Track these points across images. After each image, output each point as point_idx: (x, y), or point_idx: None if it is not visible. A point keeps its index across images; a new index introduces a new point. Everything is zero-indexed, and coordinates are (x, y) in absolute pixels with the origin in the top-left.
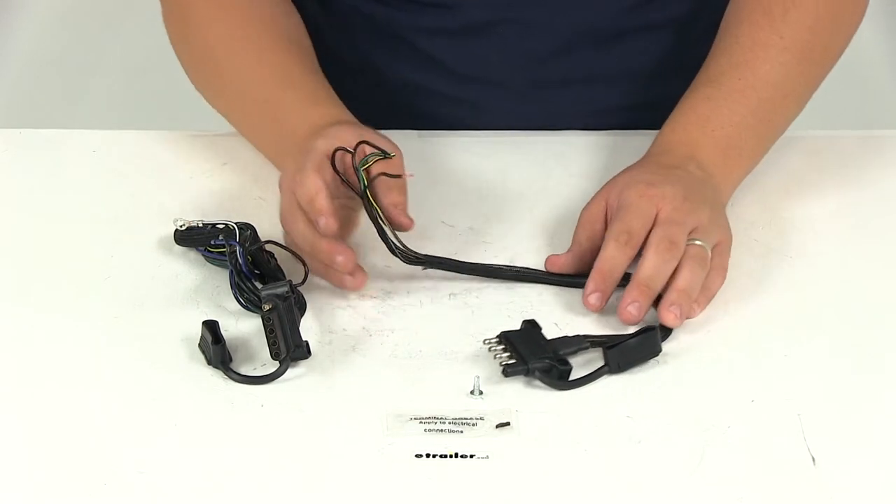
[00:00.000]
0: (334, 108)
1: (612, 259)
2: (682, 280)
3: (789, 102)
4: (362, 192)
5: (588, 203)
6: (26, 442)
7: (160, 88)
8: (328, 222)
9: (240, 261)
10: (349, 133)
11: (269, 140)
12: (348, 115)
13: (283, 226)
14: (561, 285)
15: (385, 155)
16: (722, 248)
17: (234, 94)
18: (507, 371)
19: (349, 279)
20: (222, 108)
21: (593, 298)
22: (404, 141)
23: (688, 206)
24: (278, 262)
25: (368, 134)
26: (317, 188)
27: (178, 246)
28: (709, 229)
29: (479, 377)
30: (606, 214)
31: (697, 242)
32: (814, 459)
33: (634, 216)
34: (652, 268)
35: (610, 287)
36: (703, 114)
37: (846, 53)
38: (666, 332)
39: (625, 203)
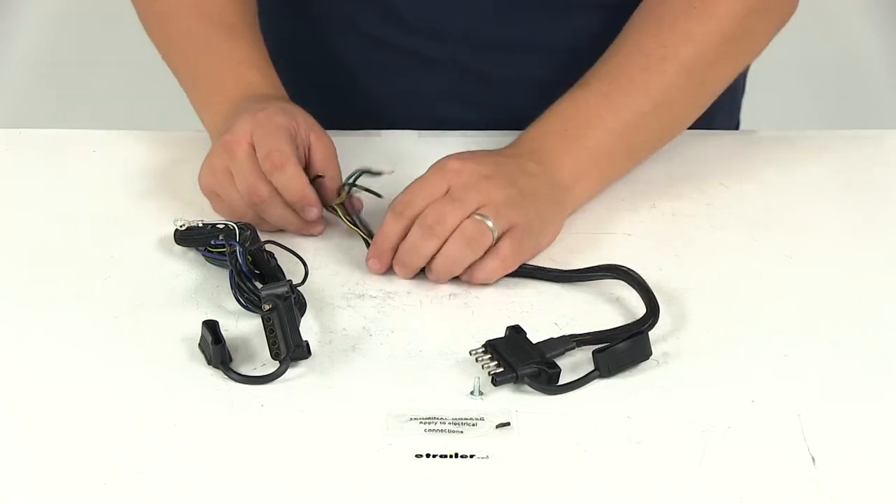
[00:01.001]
0: (271, 74)
1: (387, 230)
2: (438, 257)
3: (664, 112)
4: (354, 222)
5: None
6: (26, 442)
7: (160, 88)
8: (317, 211)
9: (240, 261)
10: (300, 114)
11: (198, 87)
12: (279, 88)
13: (220, 183)
14: (553, 280)
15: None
16: (514, 234)
17: (172, 25)
18: (496, 380)
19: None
20: (157, 38)
21: (372, 263)
22: (404, 141)
23: (483, 184)
24: (278, 262)
25: (301, 118)
26: (303, 182)
27: (178, 246)
28: (501, 210)
29: (479, 378)
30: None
31: (478, 218)
32: (814, 459)
33: (420, 189)
34: (407, 244)
35: (386, 255)
36: (568, 115)
37: (845, 52)
38: (648, 328)
39: (422, 175)
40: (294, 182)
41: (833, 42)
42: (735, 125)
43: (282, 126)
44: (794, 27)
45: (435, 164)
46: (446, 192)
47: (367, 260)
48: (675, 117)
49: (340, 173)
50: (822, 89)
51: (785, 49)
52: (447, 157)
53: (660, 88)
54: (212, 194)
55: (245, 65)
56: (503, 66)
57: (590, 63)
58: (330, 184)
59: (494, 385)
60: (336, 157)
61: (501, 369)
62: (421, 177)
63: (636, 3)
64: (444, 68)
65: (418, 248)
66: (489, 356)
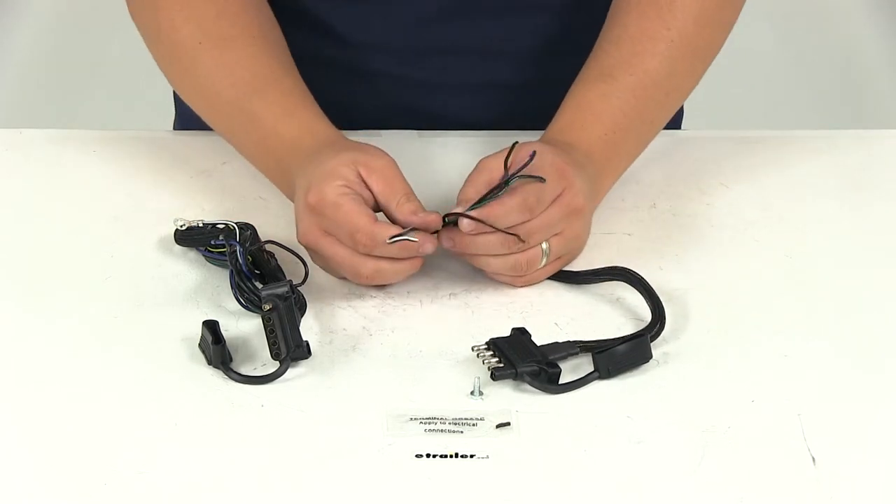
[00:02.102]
0: (307, 117)
1: (509, 212)
2: (480, 259)
3: (672, 100)
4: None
5: (494, 154)
6: (26, 442)
7: (160, 88)
8: (431, 245)
9: (240, 261)
10: (341, 166)
11: (247, 151)
12: (322, 124)
13: (338, 272)
14: (561, 281)
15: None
16: (554, 264)
17: (206, 98)
18: (495, 375)
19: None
20: (197, 109)
21: (468, 224)
22: (404, 141)
23: (574, 218)
24: (278, 262)
25: (356, 154)
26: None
27: (178, 246)
28: (562, 246)
29: (479, 377)
30: (510, 168)
31: (542, 248)
32: (814, 459)
33: (548, 187)
34: (485, 243)
35: (487, 229)
36: (599, 112)
37: (845, 52)
38: (654, 336)
39: (542, 167)
40: (395, 245)
41: (833, 42)
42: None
43: (339, 204)
44: (794, 27)
45: (547, 155)
46: (557, 197)
47: (463, 221)
48: (679, 100)
49: (407, 185)
50: (822, 89)
51: (785, 49)
52: (556, 156)
53: (671, 77)
54: (341, 276)
55: (279, 119)
56: (443, 73)
57: (537, 65)
58: (410, 205)
59: (493, 380)
60: (394, 176)
61: (502, 365)
62: (543, 170)
63: (575, 5)
64: (385, 79)
65: (491, 247)
66: (491, 352)
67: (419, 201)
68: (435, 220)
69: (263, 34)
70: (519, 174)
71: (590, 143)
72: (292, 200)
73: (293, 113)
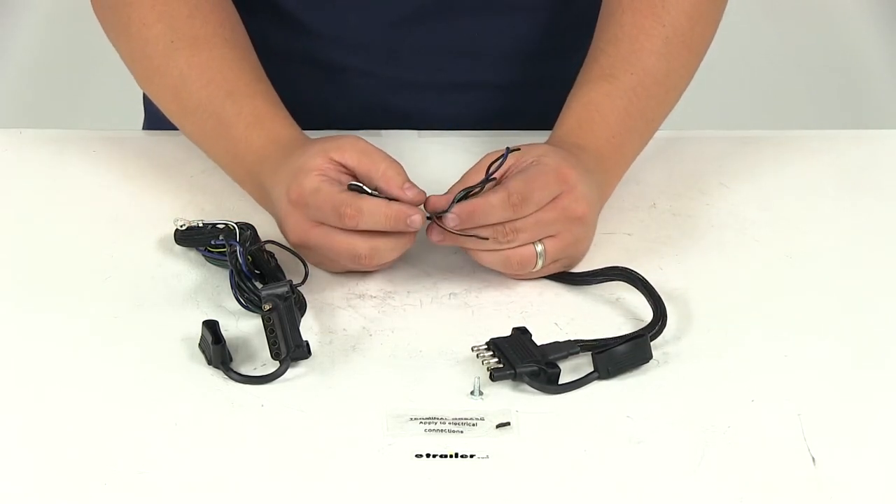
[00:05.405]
0: (276, 125)
1: (491, 209)
2: (474, 252)
3: (671, 97)
4: None
5: (496, 150)
6: (26, 442)
7: None
8: (419, 217)
9: (240, 261)
10: (312, 158)
11: (216, 155)
12: (289, 131)
13: (335, 265)
14: (561, 282)
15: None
16: (551, 266)
17: (177, 99)
18: (494, 375)
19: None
20: (165, 108)
21: (451, 220)
22: (404, 141)
23: (577, 215)
24: (278, 262)
25: (324, 143)
26: (387, 207)
27: (178, 246)
28: (559, 250)
29: (479, 377)
30: (510, 169)
31: (537, 249)
32: (814, 459)
33: (540, 187)
34: (478, 238)
35: (468, 227)
36: (605, 113)
37: (845, 52)
38: (655, 335)
39: (541, 168)
40: (379, 213)
41: (833, 42)
42: None
43: (318, 189)
44: (794, 27)
45: (552, 156)
46: (553, 199)
47: (447, 217)
48: (676, 97)
49: (383, 153)
50: (822, 89)
51: (785, 49)
52: (563, 159)
53: (669, 74)
54: (342, 269)
55: (249, 125)
56: (419, 73)
57: (514, 66)
58: (397, 177)
59: (492, 380)
60: (367, 148)
61: (501, 365)
62: (541, 170)
63: (553, 6)
64: (360, 78)
65: (479, 242)
66: (490, 353)
67: (402, 168)
68: (419, 198)
69: (234, 36)
70: (491, 164)
71: (599, 145)
72: (262, 205)
73: (262, 120)
